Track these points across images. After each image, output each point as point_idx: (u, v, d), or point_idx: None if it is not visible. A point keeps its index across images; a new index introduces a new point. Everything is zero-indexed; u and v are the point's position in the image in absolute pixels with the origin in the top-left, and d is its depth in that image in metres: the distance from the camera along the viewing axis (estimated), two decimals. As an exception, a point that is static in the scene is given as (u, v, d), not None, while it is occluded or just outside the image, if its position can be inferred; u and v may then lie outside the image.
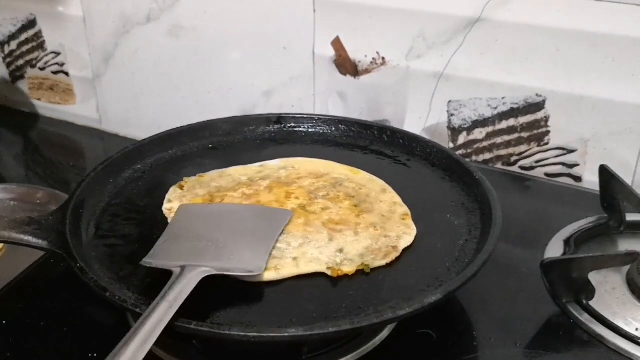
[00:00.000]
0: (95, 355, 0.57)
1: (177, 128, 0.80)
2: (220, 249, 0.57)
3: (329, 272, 0.57)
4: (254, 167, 0.75)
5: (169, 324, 0.47)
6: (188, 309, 0.52)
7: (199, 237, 0.58)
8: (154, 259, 0.56)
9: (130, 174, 0.74)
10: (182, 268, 0.52)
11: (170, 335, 0.56)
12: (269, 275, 0.56)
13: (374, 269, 0.58)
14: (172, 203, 0.68)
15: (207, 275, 0.52)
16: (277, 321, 0.52)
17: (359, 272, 0.58)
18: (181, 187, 0.70)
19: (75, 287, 0.60)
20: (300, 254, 0.59)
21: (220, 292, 0.55)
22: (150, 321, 0.46)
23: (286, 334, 0.47)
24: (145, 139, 0.77)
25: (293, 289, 0.56)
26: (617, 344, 0.58)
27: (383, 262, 0.60)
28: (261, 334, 0.47)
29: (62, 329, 0.60)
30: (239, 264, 0.55)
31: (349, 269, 0.58)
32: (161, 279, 0.56)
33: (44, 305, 0.64)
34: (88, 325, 0.61)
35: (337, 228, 0.61)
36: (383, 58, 0.92)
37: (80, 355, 0.57)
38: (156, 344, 0.55)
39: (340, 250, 0.59)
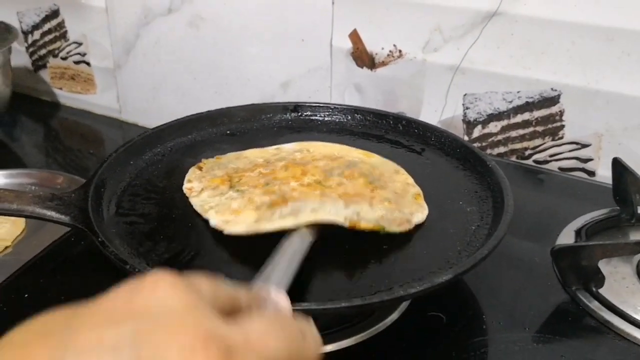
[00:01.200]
0: (114, 328, 0.58)
1: (196, 114, 0.82)
2: None
3: (346, 224, 0.59)
4: (270, 149, 0.77)
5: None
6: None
7: None
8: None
9: (150, 156, 0.75)
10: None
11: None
12: (287, 222, 0.58)
13: (386, 252, 0.59)
14: (191, 183, 0.69)
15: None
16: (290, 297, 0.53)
17: (372, 258, 0.59)
18: (200, 168, 0.72)
19: (94, 264, 0.63)
20: (318, 207, 0.60)
21: (240, 270, 0.57)
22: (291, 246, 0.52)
23: (298, 307, 0.48)
24: (165, 124, 0.79)
25: (306, 270, 0.57)
26: (626, 331, 0.59)
27: (397, 229, 0.61)
28: (273, 307, 0.48)
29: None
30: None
31: (365, 225, 0.59)
32: (180, 255, 0.59)
33: (65, 280, 0.66)
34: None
35: (352, 199, 0.62)
36: (400, 51, 0.93)
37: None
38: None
39: (357, 214, 0.60)
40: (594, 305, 0.62)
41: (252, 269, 0.56)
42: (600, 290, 0.63)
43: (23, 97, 1.30)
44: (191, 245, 0.60)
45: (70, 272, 0.67)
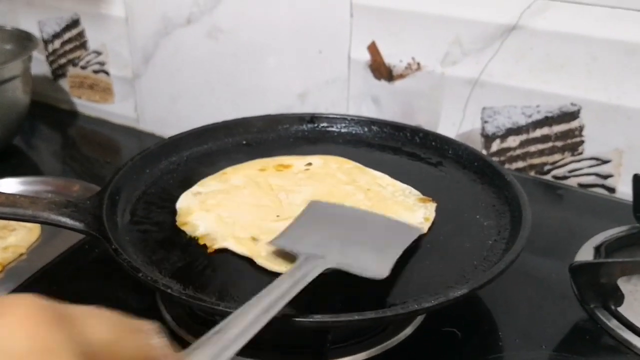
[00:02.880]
0: (124, 337, 0.58)
1: (213, 124, 0.82)
2: (346, 247, 0.57)
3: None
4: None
5: (197, 304, 0.48)
6: (219, 295, 0.54)
7: (327, 232, 0.59)
8: (282, 241, 0.57)
9: (166, 165, 0.75)
10: (308, 256, 0.53)
11: (197, 321, 0.58)
12: None
13: (401, 265, 0.58)
14: None
15: (330, 267, 0.53)
16: (303, 310, 0.52)
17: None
18: None
19: (107, 272, 0.62)
20: None
21: (251, 282, 0.56)
22: (273, 294, 0.46)
23: (312, 320, 0.48)
24: (181, 133, 0.79)
25: (318, 281, 0.56)
26: (645, 350, 0.58)
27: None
28: (286, 319, 0.48)
29: (93, 312, 0.61)
30: (364, 264, 0.55)
31: None
32: (192, 264, 0.58)
33: (76, 289, 0.65)
34: (120, 308, 0.61)
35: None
36: (418, 63, 0.92)
37: (110, 337, 0.58)
38: (186, 330, 0.58)
39: None
40: (613, 323, 0.61)
41: (266, 280, 0.56)
42: (619, 309, 0.62)
43: (42, 106, 1.30)
44: (205, 255, 0.60)
45: (83, 279, 0.67)
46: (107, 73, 1.22)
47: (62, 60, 1.27)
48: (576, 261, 0.64)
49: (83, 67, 1.25)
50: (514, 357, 0.58)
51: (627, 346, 0.59)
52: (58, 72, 1.29)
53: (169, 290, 0.50)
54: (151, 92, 1.17)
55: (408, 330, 0.60)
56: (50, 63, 1.29)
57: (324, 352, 0.53)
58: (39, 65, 1.28)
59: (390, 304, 0.53)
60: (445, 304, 0.50)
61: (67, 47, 1.25)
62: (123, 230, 0.62)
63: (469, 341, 0.59)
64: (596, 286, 0.62)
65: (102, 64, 1.22)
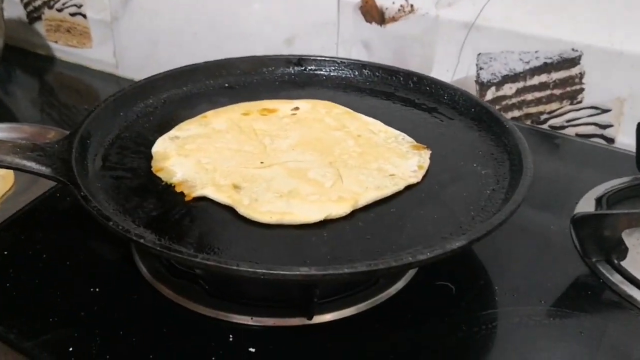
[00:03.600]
0: (97, 290, 0.54)
1: (192, 64, 0.78)
2: None
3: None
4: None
5: (174, 255, 0.45)
6: (197, 246, 0.50)
7: None
8: None
9: (142, 108, 0.71)
10: None
11: (175, 274, 0.55)
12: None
13: (394, 215, 0.55)
14: None
15: None
16: (289, 262, 0.49)
17: (379, 222, 0.55)
18: None
19: (79, 221, 0.59)
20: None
21: (232, 233, 0.53)
22: None
23: (298, 272, 0.44)
24: (158, 74, 0.75)
25: (307, 232, 0.53)
26: (650, 306, 0.55)
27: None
28: (271, 271, 0.44)
29: (64, 263, 0.58)
30: None
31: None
32: (168, 213, 0.55)
33: (47, 238, 0.62)
34: (91, 259, 0.58)
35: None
36: (411, 5, 0.88)
37: (81, 289, 0.55)
38: (163, 283, 0.54)
39: None
40: (616, 278, 0.58)
41: (249, 230, 0.53)
42: (622, 263, 0.59)
43: (17, 50, 1.27)
44: (182, 203, 0.56)
45: (54, 229, 0.63)
46: (84, 16, 1.17)
47: (37, 2, 1.22)
48: (578, 212, 0.61)
49: (59, 10, 1.20)
50: (511, 312, 0.55)
51: (631, 302, 0.56)
52: (33, 15, 1.24)
53: (141, 241, 0.46)
54: (130, 36, 1.13)
55: (400, 284, 0.56)
56: (25, 5, 1.24)
57: (311, 307, 0.50)
58: (13, 7, 1.23)
59: (382, 255, 0.49)
60: (441, 256, 0.46)
61: (42, -13, 1.20)
62: (94, 176, 0.58)
63: (464, 296, 0.56)
64: (599, 239, 0.59)
65: (79, 6, 1.17)
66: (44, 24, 1.23)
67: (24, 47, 1.28)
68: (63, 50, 1.23)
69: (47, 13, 1.22)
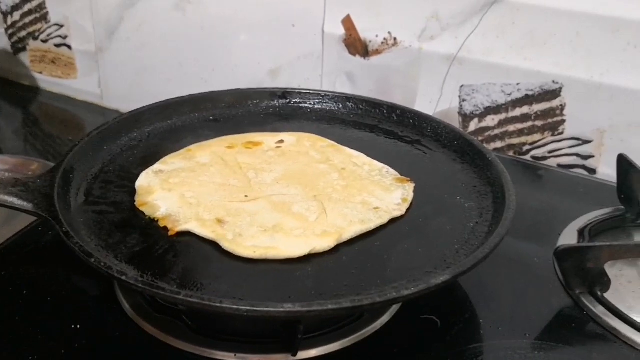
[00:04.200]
0: (77, 327, 0.53)
1: (178, 98, 0.78)
2: None
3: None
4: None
5: (156, 292, 0.44)
6: (180, 282, 0.50)
7: None
8: None
9: (126, 141, 0.71)
10: None
11: (158, 310, 0.54)
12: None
13: (378, 249, 0.55)
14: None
15: None
16: (273, 297, 0.49)
17: (362, 256, 0.55)
18: None
19: (62, 256, 0.58)
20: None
21: (216, 268, 0.53)
22: None
23: (281, 309, 0.44)
24: (143, 107, 0.74)
25: (292, 266, 0.53)
26: (633, 338, 0.55)
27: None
28: (254, 308, 0.44)
29: (44, 299, 0.57)
30: None
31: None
32: (152, 249, 0.54)
33: (28, 273, 0.60)
34: (72, 295, 0.58)
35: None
36: (395, 38, 0.89)
37: (62, 326, 0.54)
38: (146, 319, 0.54)
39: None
40: (599, 310, 0.58)
41: (233, 266, 0.53)
42: (606, 295, 0.59)
43: (1, 81, 1.26)
44: (166, 237, 0.55)
45: (34, 263, 0.62)
46: (69, 47, 1.17)
47: (22, 33, 1.22)
48: (562, 245, 0.61)
49: (44, 41, 1.19)
50: (496, 346, 0.54)
51: (614, 334, 0.56)
52: (18, 46, 1.24)
53: (123, 278, 0.46)
54: (116, 67, 1.13)
55: (385, 318, 0.56)
56: (10, 36, 1.24)
57: (295, 344, 0.49)
58: (-3, 38, 1.22)
59: (366, 291, 0.49)
60: (425, 291, 0.46)
61: (27, 19, 1.20)
62: (76, 211, 0.57)
63: (449, 330, 0.56)
64: (582, 271, 0.59)
65: (64, 37, 1.17)
66: (29, 55, 1.23)
67: (8, 78, 1.27)
68: (48, 80, 1.23)
69: (32, 44, 1.21)
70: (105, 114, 1.15)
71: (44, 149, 1.06)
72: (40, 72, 1.23)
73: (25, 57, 1.24)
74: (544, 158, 0.87)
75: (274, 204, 0.59)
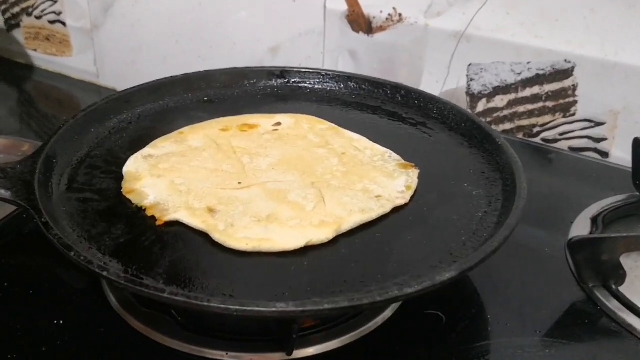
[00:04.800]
0: (61, 322, 0.51)
1: (171, 77, 0.75)
2: None
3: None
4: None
5: (139, 290, 0.41)
6: (167, 277, 0.47)
7: None
8: None
9: (115, 123, 0.68)
10: None
11: (146, 304, 0.51)
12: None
13: (380, 241, 0.52)
14: None
15: None
16: (267, 294, 0.46)
17: (363, 248, 0.52)
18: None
19: (46, 246, 0.55)
20: None
21: (206, 261, 0.50)
22: None
23: (273, 309, 0.40)
24: (134, 87, 0.71)
25: (287, 260, 0.50)
26: (649, 335, 0.52)
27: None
28: (244, 308, 0.40)
29: (27, 291, 0.54)
30: None
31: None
32: (138, 240, 0.51)
33: (10, 264, 0.58)
34: (56, 288, 0.55)
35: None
36: (400, 14, 0.86)
37: (44, 321, 0.51)
38: (133, 315, 0.51)
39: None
40: (613, 305, 0.55)
41: (224, 259, 0.50)
42: (620, 288, 0.56)
43: None
44: (153, 228, 0.52)
45: (16, 254, 0.59)
46: (63, 24, 1.14)
47: (16, 9, 1.19)
48: (575, 236, 0.57)
49: (38, 17, 1.16)
50: (504, 344, 0.51)
51: (629, 330, 0.53)
52: (11, 22, 1.21)
53: (105, 273, 0.43)
54: (111, 44, 1.10)
55: (387, 313, 0.53)
56: (3, 12, 1.21)
57: (290, 343, 0.46)
58: (-10, 14, 1.20)
59: (366, 287, 0.46)
60: (429, 289, 0.43)
61: (20, -6, 1.16)
62: (59, 199, 0.54)
63: (455, 326, 0.53)
64: (596, 264, 0.56)
65: (58, 13, 1.14)
66: (23, 32, 1.20)
67: (2, 56, 1.25)
68: (42, 58, 1.20)
69: (26, 20, 1.19)
70: (101, 92, 1.13)
71: (39, 128, 1.04)
72: (35, 50, 1.21)
73: (19, 34, 1.21)
74: (555, 140, 0.84)
75: (269, 192, 0.56)
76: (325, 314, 0.45)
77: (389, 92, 0.75)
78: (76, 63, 1.16)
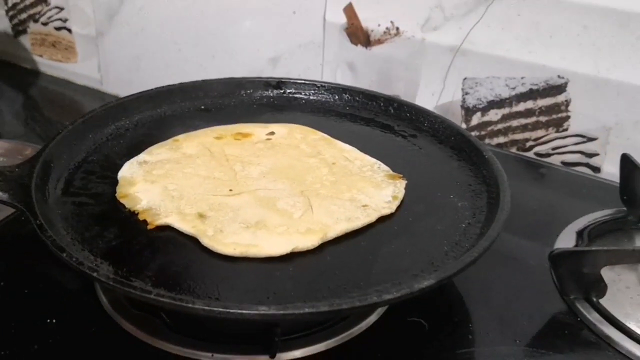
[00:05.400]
0: (54, 321, 0.52)
1: (168, 86, 0.76)
2: None
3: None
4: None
5: (127, 290, 0.42)
6: (156, 279, 0.48)
7: None
8: None
9: (113, 130, 0.69)
10: None
11: (137, 306, 0.52)
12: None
13: (364, 249, 0.54)
14: None
15: None
16: (251, 298, 0.47)
17: (347, 256, 0.53)
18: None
19: (41, 247, 0.56)
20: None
21: (195, 265, 0.51)
22: None
23: (255, 312, 0.42)
24: (131, 95, 0.73)
25: (273, 265, 0.51)
26: (628, 348, 0.53)
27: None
28: (227, 310, 0.42)
29: (21, 291, 0.55)
30: None
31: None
32: (129, 243, 0.52)
33: (6, 264, 0.59)
34: (50, 288, 0.56)
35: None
36: (397, 28, 0.87)
37: (37, 320, 0.52)
38: (124, 316, 0.52)
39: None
40: (594, 317, 0.56)
41: (212, 263, 0.51)
42: (601, 301, 0.57)
43: (2, 63, 1.27)
44: (145, 232, 0.54)
45: (13, 255, 0.60)
46: (69, 30, 1.16)
47: (23, 16, 1.21)
48: (557, 248, 0.58)
49: (44, 24, 1.18)
50: (485, 353, 0.52)
51: (609, 343, 0.54)
52: (18, 28, 1.23)
53: (94, 274, 0.44)
54: (115, 51, 1.12)
55: (372, 319, 0.54)
56: (10, 18, 1.23)
57: (273, 346, 0.48)
58: (-2, 20, 1.22)
59: (348, 293, 0.47)
60: (408, 296, 0.44)
61: (28, 1, 1.19)
62: (55, 202, 0.56)
63: (437, 334, 0.54)
64: (578, 276, 0.57)
65: (64, 20, 1.16)
66: (30, 38, 1.22)
67: (8, 61, 1.27)
68: (48, 64, 1.22)
69: (33, 27, 1.21)
70: (104, 98, 1.14)
71: (43, 133, 1.05)
72: (41, 55, 1.23)
73: (25, 40, 1.23)
74: (548, 155, 0.85)
75: (258, 199, 0.57)
76: (306, 318, 0.46)
77: (382, 104, 0.76)
78: (81, 69, 1.18)
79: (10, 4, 1.20)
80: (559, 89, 0.80)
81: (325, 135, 0.70)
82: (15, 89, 1.20)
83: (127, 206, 0.56)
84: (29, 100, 1.19)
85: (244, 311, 0.42)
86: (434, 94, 0.88)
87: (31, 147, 0.91)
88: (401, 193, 0.60)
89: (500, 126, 0.86)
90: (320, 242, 0.53)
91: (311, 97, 0.79)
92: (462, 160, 0.67)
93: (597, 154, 0.81)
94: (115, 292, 0.53)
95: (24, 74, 1.24)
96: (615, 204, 0.70)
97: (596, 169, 0.82)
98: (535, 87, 0.82)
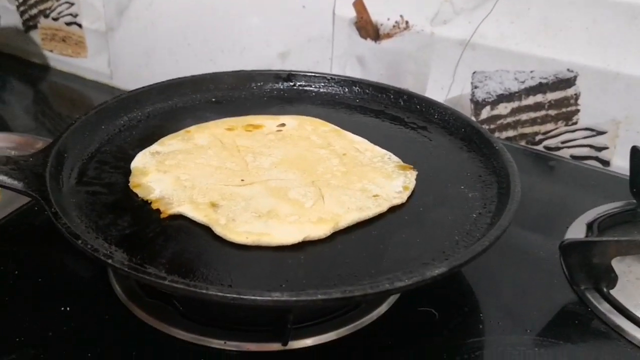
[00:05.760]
0: (67, 309, 0.52)
1: (179, 78, 0.76)
2: None
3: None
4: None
5: (142, 277, 0.43)
6: (169, 266, 0.48)
7: None
8: None
9: (125, 121, 0.70)
10: None
11: (150, 294, 0.53)
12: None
13: (375, 239, 0.54)
14: None
15: None
16: (264, 285, 0.47)
17: (359, 245, 0.53)
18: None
19: (56, 236, 0.57)
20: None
21: (207, 253, 0.51)
22: None
23: (269, 298, 0.42)
24: (143, 87, 0.73)
25: (284, 254, 0.51)
26: (638, 337, 0.53)
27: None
28: (241, 296, 0.42)
29: (36, 279, 0.56)
30: None
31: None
32: (143, 231, 0.53)
33: (21, 253, 0.60)
34: (65, 276, 0.57)
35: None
36: (407, 22, 0.87)
37: (51, 308, 0.53)
38: (137, 303, 0.52)
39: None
40: (604, 307, 0.56)
41: (224, 251, 0.52)
42: (612, 291, 0.57)
43: (12, 58, 1.27)
44: (158, 221, 0.54)
45: (27, 243, 0.61)
46: (79, 25, 1.16)
47: (33, 11, 1.21)
48: (567, 239, 0.59)
49: (55, 19, 1.19)
50: (495, 342, 0.53)
51: (619, 332, 0.54)
52: (29, 24, 1.23)
53: (109, 261, 0.45)
54: (125, 46, 1.12)
55: (383, 308, 0.55)
56: (21, 13, 1.23)
57: (285, 333, 0.48)
58: (9, 15, 1.23)
59: (360, 281, 0.48)
60: (420, 283, 0.45)
61: (38, -4, 1.19)
62: (69, 191, 0.56)
63: (448, 323, 0.54)
64: (588, 266, 0.57)
65: (74, 15, 1.16)
66: (40, 33, 1.23)
67: (19, 55, 1.27)
68: (58, 59, 1.23)
69: (43, 22, 1.21)
70: (114, 93, 1.15)
71: (53, 127, 1.06)
72: (51, 50, 1.23)
73: (36, 35, 1.23)
74: (557, 148, 0.85)
75: (270, 189, 0.58)
76: (318, 305, 0.46)
77: (392, 96, 0.77)
78: (91, 64, 1.18)
79: (21, 0, 1.21)
80: (568, 82, 0.80)
81: (336, 127, 0.70)
82: (26, 83, 1.21)
83: (140, 195, 0.57)
84: (39, 95, 1.20)
85: (257, 297, 0.42)
86: (443, 88, 0.88)
87: (42, 140, 0.92)
88: (412, 183, 0.61)
89: (509, 120, 0.86)
90: (331, 231, 0.53)
91: (321, 90, 0.79)
92: (472, 151, 0.67)
93: (606, 148, 0.81)
94: (129, 279, 0.54)
95: (34, 68, 1.24)
96: (624, 196, 0.70)
97: (605, 163, 0.82)
98: (544, 81, 0.82)
